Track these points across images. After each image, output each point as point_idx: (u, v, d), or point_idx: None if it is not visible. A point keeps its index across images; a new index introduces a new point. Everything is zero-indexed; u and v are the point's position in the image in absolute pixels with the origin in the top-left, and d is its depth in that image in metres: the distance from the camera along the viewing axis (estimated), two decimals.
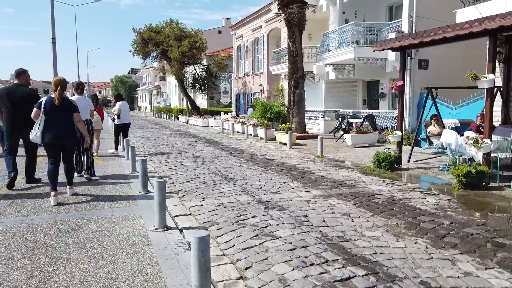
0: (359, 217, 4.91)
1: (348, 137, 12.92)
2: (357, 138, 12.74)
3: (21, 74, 6.53)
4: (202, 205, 5.56)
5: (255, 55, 27.36)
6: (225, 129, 21.22)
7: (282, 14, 16.00)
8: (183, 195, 6.18)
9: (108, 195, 5.96)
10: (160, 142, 14.89)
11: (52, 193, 5.46)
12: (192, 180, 7.34)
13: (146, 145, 13.77)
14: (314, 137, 15.95)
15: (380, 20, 16.38)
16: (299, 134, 15.06)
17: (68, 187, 5.92)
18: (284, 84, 22.98)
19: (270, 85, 25.46)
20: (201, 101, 38.93)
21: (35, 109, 5.57)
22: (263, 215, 4.95)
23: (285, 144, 13.73)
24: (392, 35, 12.60)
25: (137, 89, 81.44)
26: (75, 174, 6.94)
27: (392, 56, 12.92)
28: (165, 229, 4.34)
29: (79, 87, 7.58)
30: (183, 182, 7.17)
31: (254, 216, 4.91)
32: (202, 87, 31.15)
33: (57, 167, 5.63)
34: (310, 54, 18.74)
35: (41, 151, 7.77)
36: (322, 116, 18.69)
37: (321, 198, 5.88)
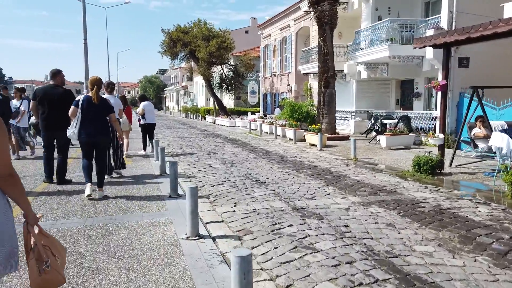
0: (406, 228, 4.50)
1: (382, 139, 12.36)
2: (392, 139, 12.17)
3: (57, 74, 6.64)
4: (234, 211, 5.30)
5: (283, 55, 26.99)
6: (252, 129, 20.98)
7: (313, 12, 15.56)
8: (214, 200, 5.94)
9: (138, 198, 5.80)
10: (188, 143, 14.81)
11: (88, 184, 5.73)
12: (222, 184, 7.10)
13: (175, 146, 13.71)
14: (345, 138, 15.45)
15: (415, 16, 15.66)
16: (330, 135, 14.59)
17: (98, 189, 5.86)
18: (313, 83, 22.51)
19: (298, 85, 25.03)
20: (228, 101, 38.91)
21: (72, 107, 5.71)
22: (300, 224, 4.63)
23: (315, 145, 13.31)
24: (430, 32, 11.95)
25: (164, 89, 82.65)
26: (106, 176, 6.88)
27: (430, 53, 12.25)
28: (197, 237, 4.10)
29: (109, 86, 7.89)
30: (213, 186, 6.94)
31: (291, 225, 4.60)
32: (229, 87, 31.07)
33: (91, 162, 5.90)
34: (340, 53, 18.21)
35: (71, 151, 7.88)
36: (352, 116, 18.12)
37: (361, 206, 5.49)
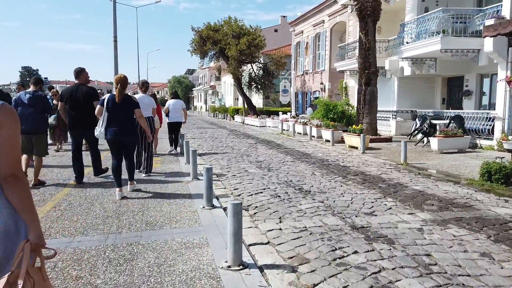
0: (508, 260, 3.48)
1: (433, 141, 11.14)
2: (444, 142, 10.93)
3: (80, 73, 6.67)
4: (280, 228, 4.42)
5: (316, 52, 25.89)
6: (284, 130, 20.05)
7: (351, 6, 14.49)
8: (255, 213, 5.09)
9: (167, 209, 5.04)
10: (218, 144, 14.09)
11: (117, 189, 5.58)
12: (261, 192, 6.24)
13: (205, 147, 13.00)
14: (387, 140, 14.28)
15: (466, 7, 14.24)
16: (371, 137, 13.46)
17: (129, 182, 5.90)
18: (349, 81, 21.34)
19: (332, 83, 23.89)
20: (257, 100, 38.09)
21: (98, 106, 5.71)
22: (368, 251, 3.69)
23: (356, 148, 12.26)
24: (489, 22, 10.65)
25: (193, 89, 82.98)
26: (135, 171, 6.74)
27: (489, 46, 10.93)
28: (241, 267, 3.26)
29: (144, 85, 7.94)
30: (251, 195, 6.09)
31: (356, 252, 3.67)
32: (259, 86, 30.28)
33: (120, 163, 5.73)
34: (381, 48, 16.96)
35: (104, 146, 7.38)
36: (394, 116, 16.85)
37: (436, 225, 4.48)
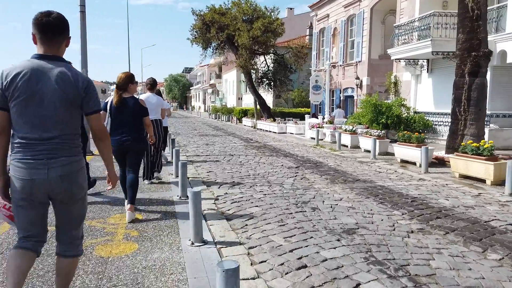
0: None
1: None
2: None
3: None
4: None
5: (348, 39, 20.80)
6: (320, 139, 14.85)
7: None
8: None
9: None
10: (239, 168, 8.95)
11: (126, 203, 4.81)
12: None
13: (219, 176, 7.87)
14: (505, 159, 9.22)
15: None
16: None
17: (128, 206, 4.59)
18: (401, 74, 16.28)
19: (372, 78, 18.83)
20: (265, 99, 33.03)
21: (101, 112, 4.71)
22: None
23: (479, 180, 7.22)
24: None
25: (190, 88, 78.21)
26: (146, 182, 6.55)
27: None
28: None
29: (149, 83, 7.02)
30: None
31: None
32: (272, 83, 25.21)
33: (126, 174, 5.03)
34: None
35: None
36: (485, 123, 11.79)
37: None
